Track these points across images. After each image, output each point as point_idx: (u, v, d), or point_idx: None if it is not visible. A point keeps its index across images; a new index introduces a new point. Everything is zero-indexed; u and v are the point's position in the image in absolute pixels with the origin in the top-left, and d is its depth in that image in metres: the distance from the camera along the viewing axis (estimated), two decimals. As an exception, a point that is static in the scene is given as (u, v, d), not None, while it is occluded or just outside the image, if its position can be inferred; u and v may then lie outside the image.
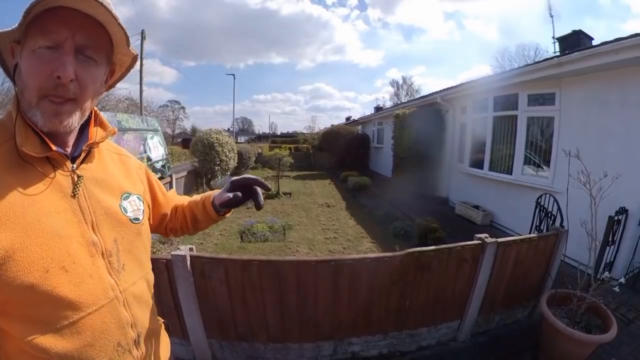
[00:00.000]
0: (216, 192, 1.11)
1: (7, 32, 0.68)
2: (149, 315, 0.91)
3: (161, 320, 1.04)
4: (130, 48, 0.79)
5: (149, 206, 1.01)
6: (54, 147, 0.70)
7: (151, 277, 0.94)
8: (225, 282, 2.22)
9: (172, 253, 2.19)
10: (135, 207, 0.88)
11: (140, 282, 0.86)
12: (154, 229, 1.10)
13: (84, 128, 0.81)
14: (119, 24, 0.70)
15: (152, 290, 0.94)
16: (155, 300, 0.98)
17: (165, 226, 1.15)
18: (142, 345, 0.85)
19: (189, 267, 2.18)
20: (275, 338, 2.39)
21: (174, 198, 1.18)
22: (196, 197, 1.17)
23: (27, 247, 0.63)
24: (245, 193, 1.04)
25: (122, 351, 0.78)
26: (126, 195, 0.86)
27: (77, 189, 0.74)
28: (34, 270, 0.63)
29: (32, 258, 0.64)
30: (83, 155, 0.78)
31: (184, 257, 2.16)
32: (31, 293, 0.64)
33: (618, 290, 2.49)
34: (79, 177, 0.75)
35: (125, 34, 0.74)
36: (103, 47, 0.74)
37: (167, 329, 1.07)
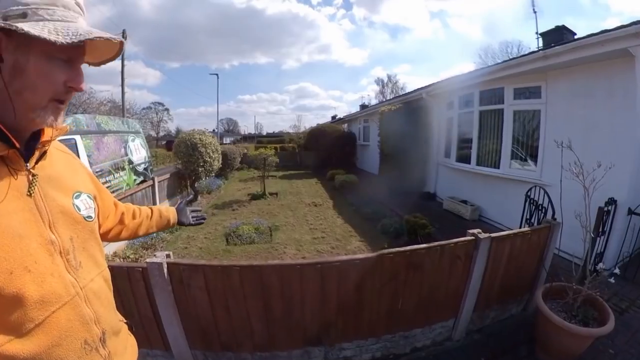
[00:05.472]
0: (172, 208, 1.44)
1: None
2: (111, 312, 0.93)
3: (124, 320, 1.04)
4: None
5: (98, 206, 1.04)
6: (17, 145, 0.71)
7: (107, 274, 0.95)
8: (205, 289, 2.08)
9: (148, 260, 2.05)
10: (88, 205, 0.90)
11: (97, 278, 0.87)
12: (110, 231, 1.19)
13: None
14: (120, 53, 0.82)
15: (111, 288, 0.96)
16: (121, 301, 1.03)
17: (120, 222, 1.22)
18: (108, 343, 0.86)
19: (166, 274, 2.05)
20: (261, 346, 2.27)
21: (118, 202, 1.25)
22: (158, 209, 1.38)
23: None
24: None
25: (89, 349, 0.78)
26: (77, 194, 0.88)
27: (32, 188, 0.74)
28: None
29: None
30: (38, 154, 0.78)
31: (160, 264, 2.03)
32: None
33: (613, 281, 2.46)
34: (33, 175, 0.75)
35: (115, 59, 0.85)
36: None
37: (130, 329, 1.08)
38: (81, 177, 0.96)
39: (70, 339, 0.74)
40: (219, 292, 2.08)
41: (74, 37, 0.65)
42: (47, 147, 0.80)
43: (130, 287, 2.14)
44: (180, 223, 1.45)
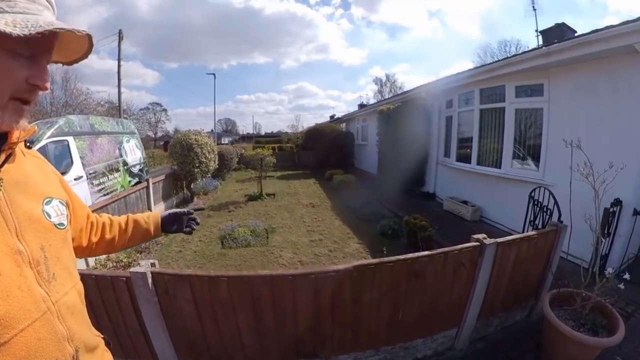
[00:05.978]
0: (157, 215, 1.30)
1: None
2: (85, 328, 0.86)
3: (100, 335, 0.96)
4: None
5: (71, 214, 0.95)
6: None
7: (81, 287, 0.88)
8: (192, 300, 1.95)
9: (131, 270, 1.94)
10: (59, 212, 0.83)
11: (71, 292, 0.80)
12: (80, 244, 1.08)
13: None
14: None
15: (84, 302, 0.88)
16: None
17: (89, 239, 1.11)
18: None
19: (150, 285, 1.93)
20: (253, 360, 2.14)
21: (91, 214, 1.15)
22: (134, 219, 1.25)
23: None
24: (179, 223, 1.33)
25: None
26: (48, 199, 0.81)
27: None
28: None
29: None
30: (3, 156, 0.71)
31: (144, 274, 1.91)
32: None
33: (623, 287, 2.34)
34: None
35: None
36: None
37: (107, 345, 1.00)
38: (52, 182, 0.88)
39: (41, 359, 0.67)
40: (207, 303, 1.96)
41: (32, 29, 0.59)
42: (13, 149, 0.74)
43: (115, 297, 2.03)
44: (165, 231, 1.33)
